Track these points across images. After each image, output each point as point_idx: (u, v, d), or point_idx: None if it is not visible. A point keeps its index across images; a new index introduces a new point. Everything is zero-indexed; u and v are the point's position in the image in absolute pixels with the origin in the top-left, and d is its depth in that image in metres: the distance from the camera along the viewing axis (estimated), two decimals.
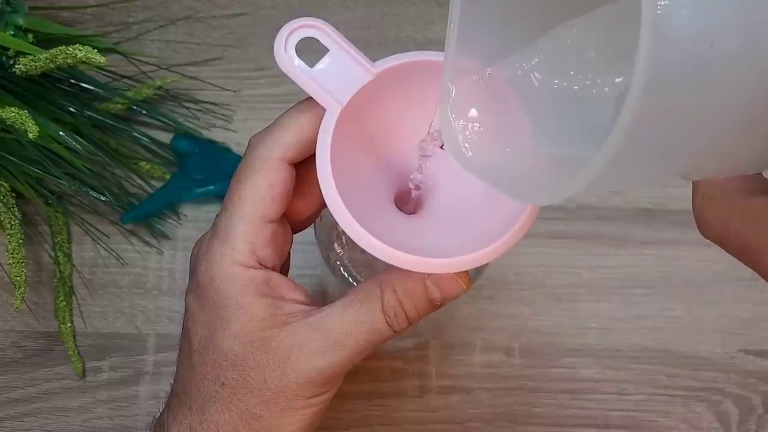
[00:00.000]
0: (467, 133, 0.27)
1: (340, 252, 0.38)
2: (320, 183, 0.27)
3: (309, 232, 0.35)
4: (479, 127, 0.27)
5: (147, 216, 0.50)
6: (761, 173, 0.22)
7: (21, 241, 0.45)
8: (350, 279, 0.37)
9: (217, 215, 0.30)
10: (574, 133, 0.24)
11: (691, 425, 0.49)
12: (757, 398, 0.49)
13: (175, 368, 0.31)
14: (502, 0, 0.25)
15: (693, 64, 0.16)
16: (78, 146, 0.48)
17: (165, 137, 0.52)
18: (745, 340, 0.50)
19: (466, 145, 0.27)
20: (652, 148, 0.18)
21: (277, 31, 0.28)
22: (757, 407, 0.49)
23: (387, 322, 0.29)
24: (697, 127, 0.18)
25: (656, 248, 0.52)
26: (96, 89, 0.51)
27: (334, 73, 0.28)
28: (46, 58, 0.44)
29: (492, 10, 0.25)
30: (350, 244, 0.37)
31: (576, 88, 0.24)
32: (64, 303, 0.48)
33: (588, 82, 0.23)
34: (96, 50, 0.43)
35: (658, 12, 0.15)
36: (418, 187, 0.31)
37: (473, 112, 0.27)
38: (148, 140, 0.51)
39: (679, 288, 0.51)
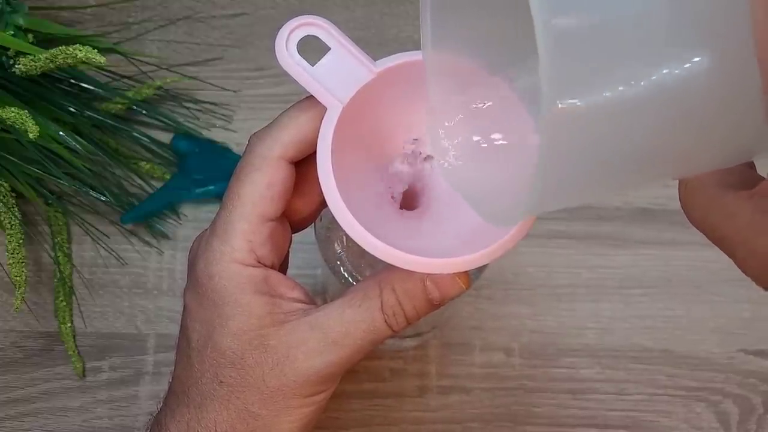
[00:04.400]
0: (450, 146, 0.27)
1: (340, 252, 0.37)
2: (321, 182, 0.27)
3: (309, 232, 0.35)
4: (461, 143, 0.27)
5: (147, 216, 0.50)
6: (741, 165, 0.23)
7: (21, 241, 0.45)
8: (350, 279, 0.37)
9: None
10: None
11: (691, 425, 0.49)
12: (757, 398, 0.49)
13: (173, 367, 0.31)
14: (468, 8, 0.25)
15: (608, 106, 0.17)
16: (78, 146, 0.48)
17: (165, 137, 0.52)
18: (745, 340, 0.50)
19: (449, 158, 0.27)
20: (580, 170, 0.19)
21: (278, 31, 0.28)
22: (757, 407, 0.49)
23: (386, 321, 0.29)
24: (635, 146, 0.19)
25: (656, 248, 0.52)
26: (96, 89, 0.51)
27: (336, 71, 0.28)
28: (46, 58, 0.44)
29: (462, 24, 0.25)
30: (350, 244, 0.37)
31: None
32: (64, 303, 0.48)
33: None
34: (96, 50, 0.43)
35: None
36: (394, 198, 0.31)
37: (458, 129, 0.27)
38: (148, 140, 0.51)
39: (678, 288, 0.51)
